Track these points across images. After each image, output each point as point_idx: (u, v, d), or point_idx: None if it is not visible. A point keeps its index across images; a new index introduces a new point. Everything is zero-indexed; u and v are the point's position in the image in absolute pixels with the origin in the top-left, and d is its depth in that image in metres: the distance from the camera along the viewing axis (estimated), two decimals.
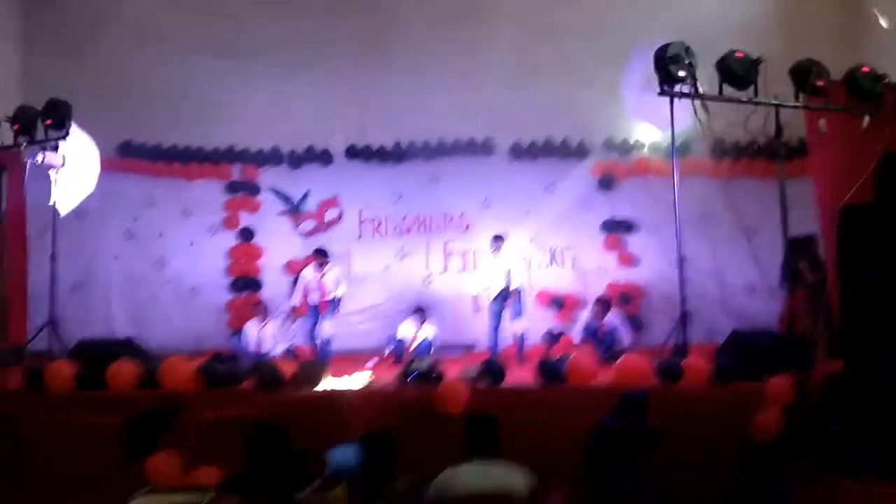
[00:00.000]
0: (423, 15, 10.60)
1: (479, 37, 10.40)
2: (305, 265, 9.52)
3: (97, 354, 6.53)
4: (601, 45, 9.87)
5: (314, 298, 9.11)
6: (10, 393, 6.13)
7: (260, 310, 9.45)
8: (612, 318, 8.90)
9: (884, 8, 9.28)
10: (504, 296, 8.80)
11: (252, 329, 9.31)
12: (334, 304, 9.13)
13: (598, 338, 8.61)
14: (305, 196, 10.71)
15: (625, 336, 8.84)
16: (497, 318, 8.83)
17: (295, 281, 9.56)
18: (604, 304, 8.91)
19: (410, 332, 9.21)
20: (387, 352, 8.97)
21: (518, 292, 8.86)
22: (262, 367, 6.11)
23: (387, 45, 10.57)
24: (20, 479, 5.46)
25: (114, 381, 6.11)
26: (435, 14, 10.59)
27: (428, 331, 9.24)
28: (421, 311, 9.34)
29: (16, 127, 7.21)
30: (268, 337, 9.21)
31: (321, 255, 9.27)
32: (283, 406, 5.69)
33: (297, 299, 9.24)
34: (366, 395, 5.85)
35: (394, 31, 10.60)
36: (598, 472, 5.16)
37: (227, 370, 6.10)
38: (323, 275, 9.14)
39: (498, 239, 8.99)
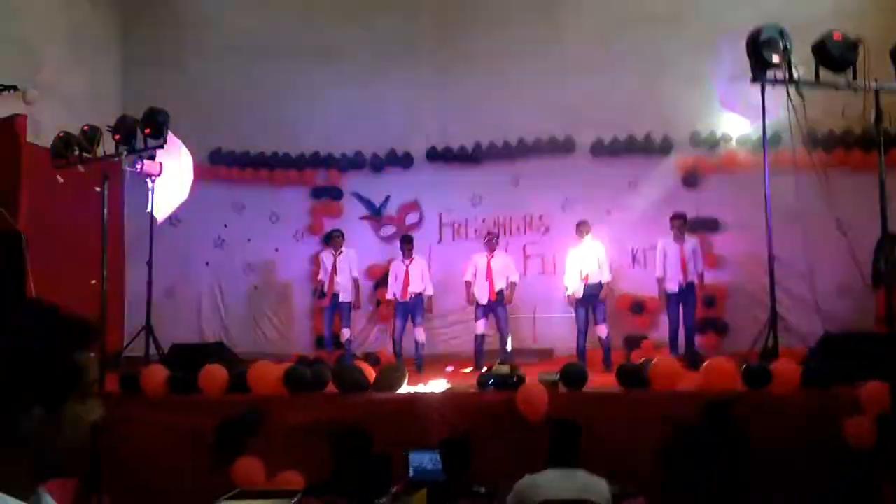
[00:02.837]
0: (503, 12, 10.64)
1: (560, 32, 10.37)
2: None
3: (189, 358, 6.76)
4: (685, 33, 9.65)
5: (400, 291, 9.09)
6: (108, 396, 6.41)
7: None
8: (692, 241, 8.75)
9: None
10: (589, 297, 8.63)
11: (328, 258, 9.49)
12: (421, 301, 9.10)
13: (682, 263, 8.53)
14: (387, 200, 10.85)
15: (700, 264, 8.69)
16: (584, 321, 8.66)
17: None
18: (682, 219, 8.76)
19: (483, 264, 9.05)
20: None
21: (602, 294, 8.69)
22: (345, 371, 6.21)
23: (467, 43, 10.65)
24: (115, 480, 5.70)
25: (205, 385, 6.33)
26: (515, 10, 10.62)
27: (503, 260, 9.15)
28: (492, 237, 9.23)
29: (117, 137, 7.48)
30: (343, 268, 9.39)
31: (407, 243, 9.31)
32: (364, 410, 5.79)
33: (392, 292, 9.23)
34: (445, 400, 5.87)
35: (474, 30, 10.68)
36: (679, 478, 5.05)
37: (311, 375, 6.22)
38: (410, 263, 9.18)
39: (582, 224, 8.82)
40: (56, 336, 1.30)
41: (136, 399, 6.34)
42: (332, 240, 9.61)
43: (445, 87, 10.50)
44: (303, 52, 10.74)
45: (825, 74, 5.35)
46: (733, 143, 9.66)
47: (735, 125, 9.30)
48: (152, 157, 7.64)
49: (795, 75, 5.47)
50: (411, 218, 10.84)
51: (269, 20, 10.90)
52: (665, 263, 8.69)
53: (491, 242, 9.16)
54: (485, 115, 10.45)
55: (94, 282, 6.52)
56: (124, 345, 8.56)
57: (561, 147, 10.38)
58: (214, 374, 6.32)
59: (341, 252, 9.44)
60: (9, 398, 1.24)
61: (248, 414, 5.85)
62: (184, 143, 8.81)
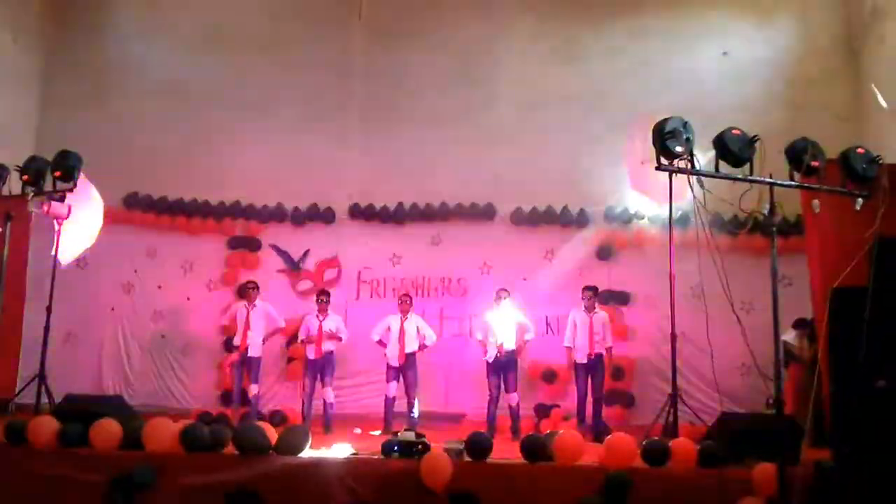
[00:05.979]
0: (431, 79, 10.91)
1: (487, 102, 10.67)
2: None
3: (83, 411, 6.44)
4: (605, 114, 10.08)
5: (313, 349, 8.93)
6: None
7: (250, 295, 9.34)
8: (602, 314, 8.93)
9: (882, 87, 9.39)
10: (502, 365, 8.62)
11: (241, 311, 9.24)
12: (331, 360, 8.99)
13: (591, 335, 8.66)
14: (306, 254, 10.76)
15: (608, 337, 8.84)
16: (496, 388, 8.63)
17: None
18: (593, 291, 8.95)
19: (396, 325, 9.06)
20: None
21: (515, 361, 8.74)
22: (245, 432, 6.03)
23: (394, 107, 10.85)
24: None
25: (96, 440, 6.05)
26: (442, 79, 10.90)
27: (417, 322, 9.14)
28: (406, 299, 9.20)
29: (25, 178, 7.22)
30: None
31: (324, 298, 9.20)
32: (262, 473, 5.63)
33: (301, 337, 9.10)
34: (348, 466, 5.76)
35: (401, 94, 10.91)
36: None
37: (209, 434, 6.02)
38: (324, 319, 9.06)
39: (501, 291, 8.88)
40: None
41: (20, 450, 6.01)
42: (246, 292, 9.42)
43: (371, 146, 10.65)
44: (230, 101, 10.73)
45: (726, 166, 5.63)
46: (645, 220, 10.04)
47: (647, 204, 9.65)
48: (61, 200, 7.37)
49: (697, 165, 5.75)
50: (329, 274, 10.76)
51: (197, 67, 10.85)
52: (575, 334, 8.82)
53: (405, 304, 9.16)
54: (409, 176, 10.61)
55: None
56: (16, 392, 8.13)
57: (481, 213, 10.60)
58: (107, 429, 6.04)
59: (255, 305, 9.26)
60: None
61: (141, 471, 5.62)
62: (99, 184, 8.59)
